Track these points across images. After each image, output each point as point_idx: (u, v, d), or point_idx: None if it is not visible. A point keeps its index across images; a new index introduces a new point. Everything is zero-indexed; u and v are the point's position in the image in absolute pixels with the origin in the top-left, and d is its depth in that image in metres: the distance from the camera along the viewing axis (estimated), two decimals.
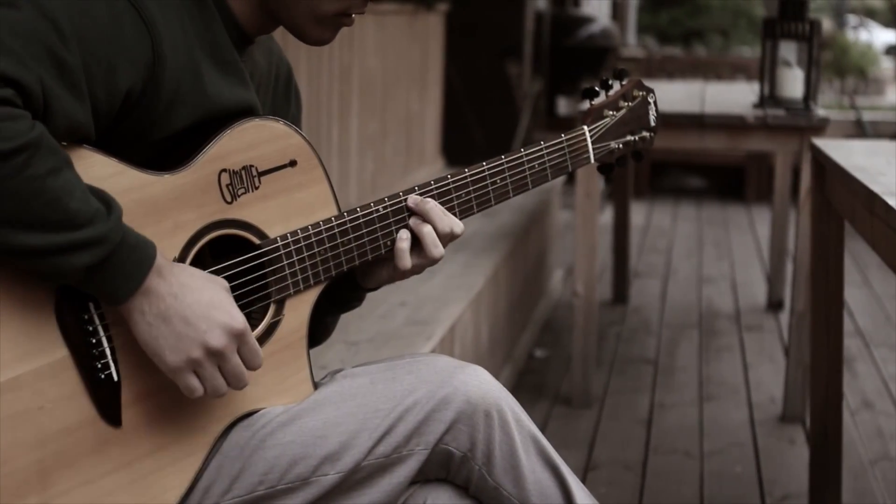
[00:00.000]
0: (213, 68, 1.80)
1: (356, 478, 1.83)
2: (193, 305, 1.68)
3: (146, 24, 1.70)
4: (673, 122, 4.50)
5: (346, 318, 2.18)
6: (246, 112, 1.85)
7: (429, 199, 1.97)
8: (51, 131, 1.60)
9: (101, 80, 1.65)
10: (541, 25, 9.38)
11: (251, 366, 1.75)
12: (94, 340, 1.69)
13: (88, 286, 1.64)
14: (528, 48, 8.59)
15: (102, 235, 1.60)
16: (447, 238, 1.98)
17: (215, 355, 1.70)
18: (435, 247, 1.96)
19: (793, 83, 4.70)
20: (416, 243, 1.96)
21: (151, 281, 1.66)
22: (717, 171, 10.22)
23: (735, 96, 5.40)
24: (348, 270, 1.98)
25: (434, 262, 1.97)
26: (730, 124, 4.56)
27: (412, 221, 1.96)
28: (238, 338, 1.72)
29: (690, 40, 17.11)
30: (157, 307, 1.67)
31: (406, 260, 1.95)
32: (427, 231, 1.95)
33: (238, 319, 1.71)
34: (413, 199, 1.96)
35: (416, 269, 1.98)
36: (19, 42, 1.56)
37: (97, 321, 1.69)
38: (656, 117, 2.27)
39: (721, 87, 6.46)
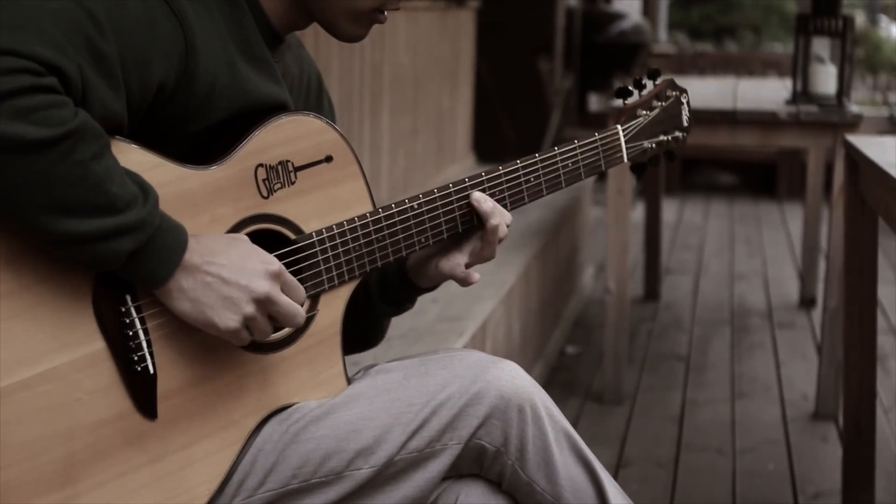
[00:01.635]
0: (247, 64, 1.81)
1: (389, 472, 1.83)
2: (227, 265, 1.71)
3: (178, 18, 1.71)
4: (705, 118, 4.49)
5: None
6: (280, 107, 1.86)
7: (489, 199, 1.98)
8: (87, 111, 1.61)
9: (134, 72, 1.66)
10: (572, 22, 9.37)
11: (297, 299, 1.77)
12: (130, 333, 1.70)
13: (128, 271, 1.66)
14: (560, 44, 8.58)
15: (142, 220, 1.62)
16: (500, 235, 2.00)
17: (265, 303, 1.73)
18: (489, 244, 1.99)
19: (826, 79, 4.68)
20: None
21: (190, 256, 1.68)
22: (749, 168, 10.19)
23: (767, 93, 5.39)
24: (401, 270, 2.01)
25: (487, 260, 2.01)
26: (762, 121, 4.55)
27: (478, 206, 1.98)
28: (278, 277, 1.74)
29: (722, 36, 17.04)
30: (194, 280, 1.69)
31: (475, 276, 2.00)
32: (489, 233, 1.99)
33: (271, 261, 1.74)
34: (475, 197, 1.98)
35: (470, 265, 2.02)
36: (59, 30, 1.57)
37: (134, 314, 1.70)
38: (689, 117, 2.26)
39: (753, 83, 6.44)
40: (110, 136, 1.67)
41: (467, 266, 2.00)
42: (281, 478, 1.82)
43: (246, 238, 1.76)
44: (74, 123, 1.56)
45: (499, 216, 1.98)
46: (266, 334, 1.76)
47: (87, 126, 1.58)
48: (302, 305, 1.79)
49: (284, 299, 1.75)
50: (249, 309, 1.72)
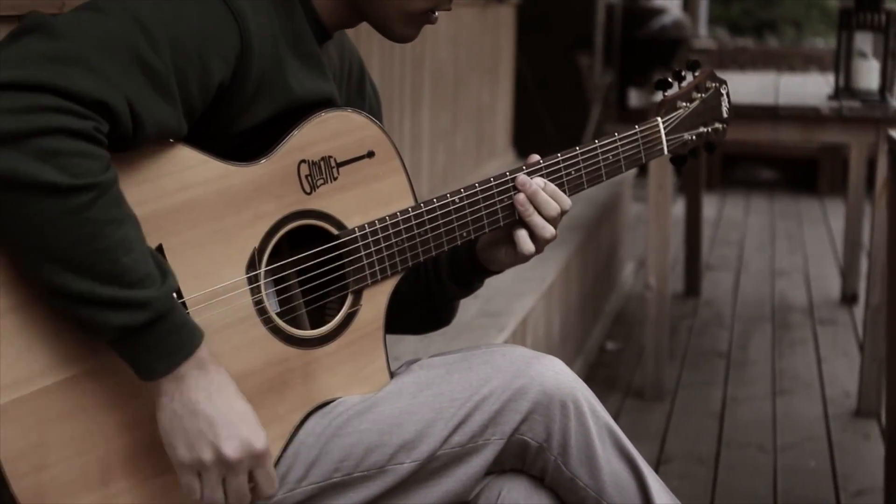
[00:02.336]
0: (295, 59, 1.81)
1: (432, 467, 1.83)
2: (223, 410, 1.64)
3: (235, 17, 1.71)
4: (746, 113, 4.48)
5: None
6: (325, 103, 1.86)
7: (533, 182, 1.98)
8: (141, 140, 1.61)
9: (195, 78, 1.66)
10: (612, 17, 9.34)
11: (262, 492, 1.69)
12: None
13: (121, 350, 1.60)
14: (600, 40, 8.55)
15: (147, 300, 1.56)
16: (556, 219, 1.99)
17: (224, 465, 1.64)
18: (544, 228, 1.97)
19: (868, 74, 4.65)
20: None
21: (189, 369, 1.62)
22: (790, 164, 10.13)
23: (809, 88, 5.36)
24: (471, 254, 2.02)
25: (547, 241, 1.99)
26: (804, 116, 4.53)
27: (517, 209, 1.97)
28: (256, 459, 1.66)
29: (762, 32, 16.96)
30: (187, 398, 1.62)
31: (528, 246, 1.98)
32: (533, 219, 1.97)
33: (261, 440, 1.66)
34: (521, 180, 1.97)
35: (536, 253, 2.01)
36: (106, 55, 1.55)
37: None
38: (729, 108, 2.26)
39: (795, 78, 6.40)
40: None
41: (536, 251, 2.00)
42: (323, 471, 1.82)
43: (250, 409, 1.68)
44: (99, 179, 1.53)
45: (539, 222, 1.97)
46: (213, 501, 1.65)
47: (112, 188, 1.55)
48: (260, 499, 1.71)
49: (241, 480, 1.65)
50: (208, 457, 1.63)
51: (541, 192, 1.97)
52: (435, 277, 2.07)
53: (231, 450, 1.64)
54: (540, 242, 1.99)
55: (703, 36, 13.19)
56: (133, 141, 1.61)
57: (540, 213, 1.97)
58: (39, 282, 1.55)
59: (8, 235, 1.52)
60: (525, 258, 2.00)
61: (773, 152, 9.81)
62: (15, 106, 1.47)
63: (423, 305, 2.10)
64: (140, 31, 1.60)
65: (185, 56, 1.64)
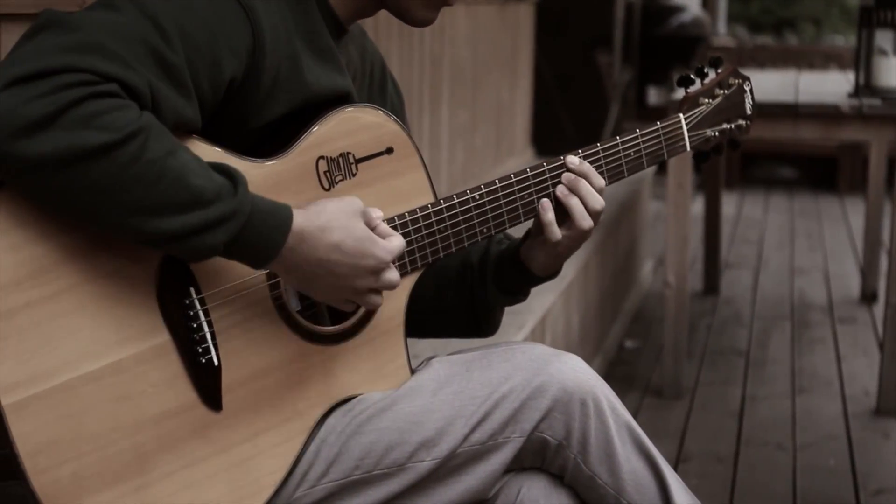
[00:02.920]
0: (311, 55, 1.82)
1: (452, 464, 1.84)
2: (341, 263, 1.73)
3: (246, 12, 1.72)
4: (766, 111, 4.46)
5: None
6: (342, 98, 1.86)
7: (586, 163, 1.99)
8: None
9: (205, 73, 1.67)
10: (631, 15, 9.33)
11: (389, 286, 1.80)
12: (194, 325, 1.71)
13: (234, 257, 1.67)
14: (619, 38, 8.54)
15: (233, 210, 1.61)
16: (595, 214, 1.99)
17: (365, 290, 1.77)
18: (583, 218, 1.97)
19: (889, 72, 4.64)
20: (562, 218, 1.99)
21: (296, 245, 1.69)
22: (809, 162, 10.10)
23: (829, 86, 5.34)
24: (513, 258, 2.02)
25: (585, 232, 1.99)
26: (824, 114, 4.51)
27: (559, 192, 1.97)
28: (382, 270, 1.77)
29: (782, 29, 16.92)
30: (302, 270, 1.71)
31: (555, 233, 1.97)
32: (574, 203, 1.97)
33: (384, 259, 1.76)
34: (572, 161, 1.98)
35: (569, 244, 1.99)
36: (124, 46, 1.57)
37: (198, 305, 1.71)
38: (752, 105, 2.25)
39: (815, 76, 6.39)
40: (176, 132, 1.67)
41: (566, 241, 2.00)
42: (344, 468, 1.82)
43: (358, 208, 1.76)
44: (139, 123, 1.56)
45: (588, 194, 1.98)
46: (374, 303, 1.81)
47: (153, 125, 1.58)
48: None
49: (383, 281, 1.78)
50: (349, 296, 1.77)
51: (592, 174, 1.98)
52: (480, 282, 2.07)
53: (362, 283, 1.76)
54: (575, 231, 1.98)
55: (722, 34, 13.16)
56: None
57: (582, 200, 1.97)
58: (131, 238, 1.59)
59: (86, 208, 1.56)
60: (554, 246, 1.99)
61: (793, 150, 9.79)
62: (41, 91, 1.51)
63: (466, 313, 2.10)
64: (152, 25, 1.61)
65: (196, 51, 1.66)
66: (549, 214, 1.97)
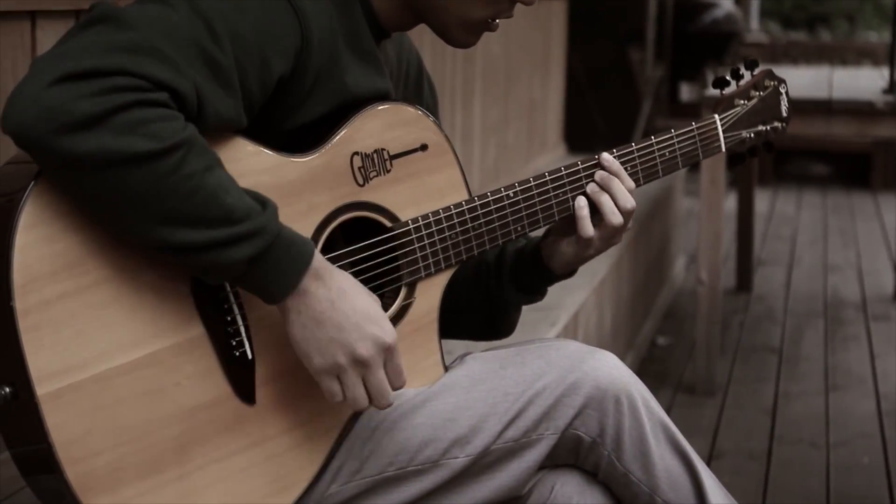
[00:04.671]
0: (353, 56, 1.82)
1: (485, 461, 1.83)
2: (349, 313, 1.69)
3: (297, 13, 1.72)
4: (800, 108, 4.43)
5: None
6: (381, 99, 1.86)
7: (616, 162, 1.99)
8: (202, 130, 1.62)
9: (254, 74, 1.67)
10: (664, 11, 9.30)
11: (394, 384, 1.74)
12: (229, 318, 1.71)
13: (247, 282, 1.65)
14: (651, 34, 8.52)
15: (260, 227, 1.60)
16: (626, 213, 1.98)
17: (361, 365, 1.70)
18: (613, 215, 1.96)
19: None
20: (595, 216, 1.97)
21: (309, 282, 1.66)
22: (842, 158, 10.06)
23: (863, 82, 5.32)
24: (534, 255, 2.01)
25: (615, 230, 1.97)
26: (858, 110, 4.50)
27: (590, 189, 1.97)
28: (386, 352, 1.72)
29: (815, 25, 16.85)
30: (312, 310, 1.68)
31: (588, 228, 1.96)
32: (605, 199, 1.96)
33: (389, 334, 1.71)
34: (606, 158, 1.98)
35: (598, 243, 1.98)
36: (174, 46, 1.58)
37: (232, 299, 1.71)
38: (788, 108, 2.24)
39: (848, 72, 6.37)
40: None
41: (597, 240, 1.98)
42: (377, 465, 1.83)
43: (378, 302, 1.74)
44: (183, 135, 1.56)
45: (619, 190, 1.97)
46: (357, 400, 1.72)
47: (196, 139, 1.58)
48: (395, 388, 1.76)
49: (380, 375, 1.72)
50: (343, 360, 1.69)
51: (623, 173, 1.98)
52: (496, 280, 2.06)
53: (364, 349, 1.69)
54: (605, 229, 1.97)
55: (755, 30, 13.12)
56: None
57: (613, 197, 1.97)
58: (156, 246, 1.59)
59: (117, 212, 1.56)
60: (585, 244, 1.98)
61: (826, 147, 9.75)
62: (94, 90, 1.51)
63: (480, 312, 2.09)
64: (203, 25, 1.61)
65: (246, 51, 1.65)
66: (585, 210, 1.96)
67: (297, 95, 1.75)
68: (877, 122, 4.52)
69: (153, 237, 1.57)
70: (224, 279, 1.65)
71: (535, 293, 2.08)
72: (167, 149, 1.54)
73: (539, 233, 2.05)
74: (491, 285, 2.06)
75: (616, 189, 1.97)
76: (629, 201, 1.98)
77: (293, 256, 1.64)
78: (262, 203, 1.64)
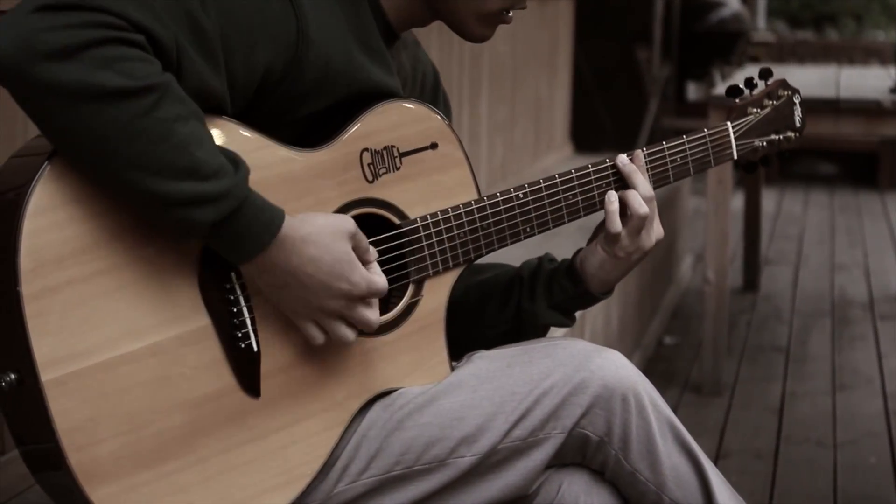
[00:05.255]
0: (362, 53, 1.82)
1: (493, 460, 1.84)
2: (313, 277, 1.69)
3: (292, 6, 1.72)
4: (807, 107, 4.44)
5: None
6: (390, 96, 1.86)
7: (640, 156, 1.99)
8: (186, 89, 1.61)
9: (239, 52, 1.67)
10: (671, 10, 9.30)
11: (366, 322, 1.75)
12: (234, 310, 1.71)
13: (215, 243, 1.64)
14: (658, 33, 8.52)
15: (227, 189, 1.59)
16: (649, 199, 1.97)
17: (334, 313, 1.72)
18: (641, 206, 1.96)
19: None
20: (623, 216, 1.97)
21: (275, 250, 1.66)
22: (850, 158, 10.06)
23: (870, 81, 5.32)
24: (568, 269, 2.01)
25: (641, 221, 1.96)
26: (866, 109, 4.49)
27: (621, 172, 1.98)
28: (359, 299, 1.72)
29: (822, 24, 16.84)
30: (277, 278, 1.68)
31: (617, 223, 1.95)
32: (631, 194, 1.97)
33: (359, 286, 1.71)
34: (622, 160, 1.98)
35: (628, 241, 1.97)
36: (160, 2, 1.57)
37: (238, 291, 1.71)
38: (802, 118, 2.24)
39: (856, 71, 6.36)
40: (217, 117, 1.68)
41: (626, 242, 1.97)
42: (384, 464, 1.83)
43: (350, 230, 1.72)
44: (159, 79, 1.55)
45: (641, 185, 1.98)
46: (342, 338, 1.74)
47: (171, 86, 1.57)
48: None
49: (358, 313, 1.74)
50: (316, 315, 1.72)
51: (644, 169, 1.99)
52: (529, 295, 2.04)
53: (334, 304, 1.71)
54: (633, 223, 1.96)
55: (762, 29, 13.11)
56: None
57: (635, 187, 1.97)
58: (125, 195, 1.58)
59: (86, 148, 1.55)
60: (613, 240, 1.97)
61: (833, 146, 9.74)
62: (70, 22, 1.50)
63: (509, 329, 2.07)
64: None
65: (233, 25, 1.66)
66: (615, 204, 1.96)
67: (302, 87, 1.75)
68: (884, 121, 4.51)
69: (123, 182, 1.56)
70: (190, 238, 1.64)
71: (566, 312, 2.06)
72: (141, 88, 1.53)
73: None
74: (523, 299, 2.05)
75: (638, 181, 1.98)
76: (649, 191, 1.98)
77: (262, 222, 1.64)
78: (235, 163, 1.63)
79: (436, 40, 4.54)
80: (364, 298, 1.73)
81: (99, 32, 1.51)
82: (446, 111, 2.12)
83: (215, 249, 1.66)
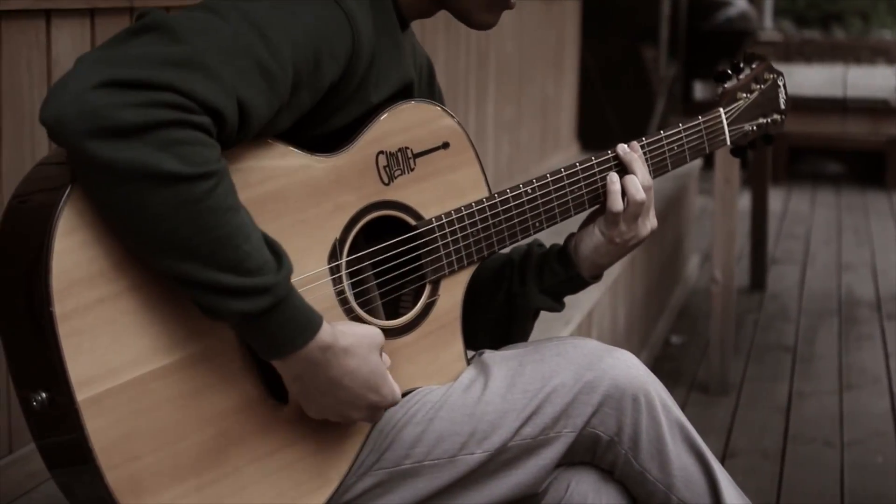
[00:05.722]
0: (383, 52, 1.81)
1: (502, 458, 1.84)
2: (349, 389, 1.69)
3: (348, 18, 1.71)
4: (814, 106, 4.46)
5: None
6: (404, 91, 1.86)
7: (637, 147, 2.01)
8: (241, 140, 1.62)
9: (308, 81, 1.66)
10: (677, 9, 9.30)
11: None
12: None
13: (244, 333, 1.63)
14: (665, 32, 8.52)
15: (267, 286, 1.57)
16: (647, 189, 1.99)
17: (357, 417, 1.74)
18: (638, 192, 1.97)
19: None
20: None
21: (311, 353, 1.64)
22: (856, 157, 10.03)
23: (877, 80, 5.33)
24: (560, 252, 2.02)
25: (638, 207, 1.98)
26: (873, 108, 4.50)
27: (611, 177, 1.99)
28: (380, 408, 1.74)
29: (829, 23, 16.82)
30: (309, 383, 1.67)
31: (618, 202, 1.97)
32: (629, 178, 1.98)
33: (387, 399, 1.73)
34: (622, 148, 2.00)
35: (625, 226, 1.99)
36: (225, 61, 1.55)
37: None
38: (786, 100, 2.27)
39: (862, 70, 6.36)
40: None
41: (623, 227, 2.00)
42: (394, 457, 1.83)
43: (379, 354, 1.73)
44: (217, 167, 1.54)
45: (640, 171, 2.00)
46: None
47: (227, 175, 1.56)
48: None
49: (380, 415, 1.76)
50: (336, 419, 1.74)
51: (643, 158, 2.01)
52: (520, 278, 2.05)
53: (357, 415, 1.72)
54: (630, 209, 1.97)
55: (769, 28, 13.10)
56: (233, 143, 1.62)
57: (634, 173, 1.99)
58: (162, 271, 1.57)
59: (131, 226, 1.54)
60: (612, 221, 1.98)
61: (840, 145, 9.72)
62: (139, 101, 1.49)
63: (498, 313, 2.08)
64: (258, 35, 1.59)
65: (302, 59, 1.64)
66: (617, 185, 1.98)
67: (340, 100, 1.75)
68: (891, 120, 4.52)
69: (161, 261, 1.55)
70: (219, 321, 1.62)
71: (556, 296, 2.07)
72: (197, 175, 1.52)
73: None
74: (514, 283, 2.05)
75: (636, 167, 1.99)
76: (648, 180, 2.00)
77: (298, 324, 1.62)
78: (279, 259, 1.61)
79: (443, 39, 4.54)
80: (387, 408, 1.75)
81: (165, 114, 1.50)
82: (440, 100, 2.12)
83: (247, 339, 1.65)
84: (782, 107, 2.27)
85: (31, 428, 1.65)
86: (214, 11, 1.59)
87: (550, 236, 2.08)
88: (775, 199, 8.71)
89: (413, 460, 1.83)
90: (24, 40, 2.40)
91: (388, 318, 1.87)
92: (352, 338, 1.68)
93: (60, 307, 1.54)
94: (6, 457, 2.45)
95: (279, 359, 1.64)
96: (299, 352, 1.63)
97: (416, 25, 2.09)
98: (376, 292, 1.88)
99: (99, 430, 1.56)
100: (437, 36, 4.42)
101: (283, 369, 1.66)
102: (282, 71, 1.61)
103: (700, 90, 9.65)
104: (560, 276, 2.03)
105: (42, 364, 1.57)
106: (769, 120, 2.23)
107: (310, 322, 1.63)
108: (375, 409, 1.73)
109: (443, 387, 1.88)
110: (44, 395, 1.57)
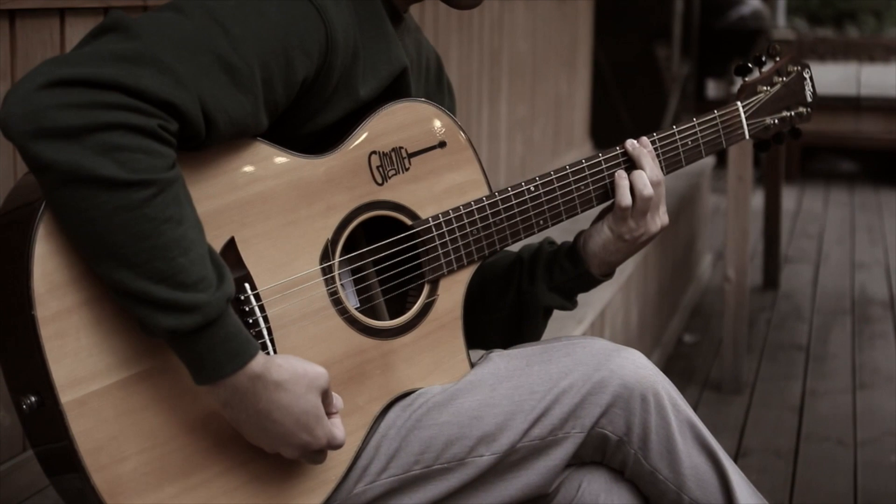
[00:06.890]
0: (368, 43, 1.80)
1: (512, 459, 1.83)
2: (278, 423, 1.64)
3: (319, 13, 1.70)
4: (828, 104, 4.44)
5: None
6: (397, 78, 1.85)
7: (646, 142, 2.00)
8: (216, 139, 1.60)
9: (279, 75, 1.65)
10: (690, 7, 9.29)
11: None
12: (250, 321, 1.70)
13: (175, 351, 1.59)
14: (678, 30, 8.51)
15: (197, 304, 1.54)
16: (656, 184, 1.98)
17: (291, 455, 1.69)
18: (646, 187, 1.96)
19: None
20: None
21: (239, 381, 1.60)
22: (870, 155, 10.02)
23: (891, 78, 5.31)
24: (570, 250, 2.01)
25: (646, 203, 1.97)
26: (888, 107, 4.48)
27: (629, 153, 1.99)
28: (313, 451, 1.69)
29: (842, 21, 16.78)
30: (238, 412, 1.63)
31: (627, 197, 1.96)
32: (637, 174, 1.97)
33: (319, 441, 1.67)
34: (631, 143, 1.99)
35: (633, 222, 1.98)
36: (181, 56, 1.54)
37: (253, 301, 1.70)
38: (812, 92, 2.24)
39: (877, 69, 6.34)
40: None
41: (632, 224, 1.98)
42: (403, 463, 1.82)
43: (323, 384, 1.67)
44: (159, 175, 1.51)
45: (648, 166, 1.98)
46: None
47: (173, 186, 1.53)
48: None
49: (317, 457, 1.71)
50: (274, 451, 1.69)
51: (652, 153, 2.00)
52: (529, 277, 2.04)
53: (288, 453, 1.68)
54: (638, 205, 1.96)
55: (782, 26, 13.06)
56: (207, 140, 1.60)
57: (643, 169, 1.98)
58: (102, 277, 1.55)
59: (71, 230, 1.53)
60: (621, 218, 1.97)
61: (854, 144, 9.70)
62: (81, 101, 1.48)
63: (509, 313, 2.07)
64: (221, 30, 1.59)
65: (271, 53, 1.63)
66: (625, 180, 1.97)
67: (323, 97, 1.75)
68: None
69: (98, 267, 1.54)
70: (151, 337, 1.59)
71: (567, 294, 2.05)
72: (135, 182, 1.49)
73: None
74: (523, 281, 2.05)
75: (645, 162, 1.98)
76: (658, 175, 1.98)
77: (227, 351, 1.58)
78: (220, 278, 1.58)
79: (455, 38, 4.54)
80: (322, 451, 1.70)
81: (108, 116, 1.49)
82: (451, 98, 2.12)
83: (179, 357, 1.60)
84: (808, 99, 2.23)
85: (26, 434, 1.66)
86: (180, 10, 1.59)
87: (563, 234, 2.08)
88: (788, 197, 8.70)
89: (422, 465, 1.83)
90: (38, 38, 2.40)
91: (396, 317, 1.86)
92: (288, 373, 1.64)
93: (42, 310, 1.54)
94: (20, 454, 2.45)
95: (207, 384, 1.60)
96: (226, 379, 1.59)
97: (428, 25, 2.09)
98: (378, 289, 1.88)
99: (84, 432, 1.57)
100: (450, 35, 4.42)
101: (211, 395, 1.62)
102: (245, 65, 1.60)
103: (713, 88, 9.64)
104: (569, 273, 2.03)
105: (29, 368, 1.57)
106: (793, 113, 2.21)
107: (242, 350, 1.59)
108: (308, 450, 1.68)
109: (448, 388, 1.86)
110: (33, 398, 1.57)
